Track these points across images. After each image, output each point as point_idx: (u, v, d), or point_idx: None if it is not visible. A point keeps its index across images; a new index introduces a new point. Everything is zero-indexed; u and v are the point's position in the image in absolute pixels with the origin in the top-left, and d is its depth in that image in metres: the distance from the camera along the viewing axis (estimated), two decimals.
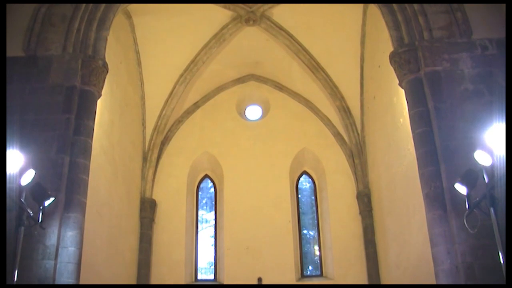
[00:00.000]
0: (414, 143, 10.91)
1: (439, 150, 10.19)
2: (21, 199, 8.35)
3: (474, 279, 9.10)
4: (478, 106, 10.36)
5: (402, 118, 13.55)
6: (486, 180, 8.05)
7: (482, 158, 8.10)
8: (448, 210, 9.72)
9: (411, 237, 13.62)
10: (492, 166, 7.99)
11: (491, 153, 8.02)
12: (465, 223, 8.66)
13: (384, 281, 16.63)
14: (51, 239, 9.61)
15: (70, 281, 9.70)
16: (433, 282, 10.17)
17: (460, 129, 10.21)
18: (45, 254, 9.50)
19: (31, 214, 8.50)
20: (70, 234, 9.94)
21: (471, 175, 8.43)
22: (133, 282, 17.00)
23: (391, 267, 15.71)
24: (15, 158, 8.33)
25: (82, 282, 10.13)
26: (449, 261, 9.55)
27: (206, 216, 19.72)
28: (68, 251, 9.84)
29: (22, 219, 8.35)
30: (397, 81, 11.77)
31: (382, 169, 16.33)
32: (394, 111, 14.39)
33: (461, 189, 8.63)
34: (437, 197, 9.99)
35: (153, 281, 17.65)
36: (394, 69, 11.79)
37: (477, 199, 8.33)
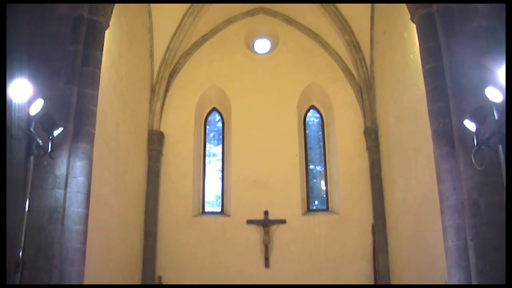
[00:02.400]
0: (424, 79, 10.79)
1: (449, 86, 10.06)
2: (30, 129, 8.37)
3: (479, 216, 9.15)
4: (491, 43, 10.11)
5: (412, 54, 13.40)
6: (496, 117, 8.01)
7: (493, 94, 8.02)
8: (456, 146, 9.69)
9: (417, 173, 13.70)
10: (503, 103, 7.92)
11: (502, 90, 7.93)
12: (473, 159, 8.64)
13: (389, 217, 16.82)
14: (61, 169, 9.68)
15: (80, 210, 9.83)
16: (438, 218, 10.25)
17: (471, 65, 10.02)
18: (55, 183, 9.59)
19: (41, 144, 8.54)
20: (79, 164, 10.02)
21: (481, 111, 8.36)
22: (141, 213, 17.29)
23: (397, 202, 15.86)
24: (24, 88, 8.30)
25: (91, 213, 10.25)
26: (455, 197, 9.59)
27: (214, 150, 19.81)
28: (78, 181, 9.95)
29: (32, 148, 8.38)
30: (409, 16, 11.55)
31: (391, 105, 16.27)
32: (404, 46, 14.23)
33: (470, 125, 8.58)
34: (446, 133, 9.95)
35: (161, 213, 17.94)
36: (406, 4, 11.57)
37: (486, 136, 8.30)
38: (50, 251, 9.17)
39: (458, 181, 9.57)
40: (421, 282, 13.50)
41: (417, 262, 13.90)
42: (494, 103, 8.03)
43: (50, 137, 8.74)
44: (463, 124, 8.82)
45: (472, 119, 8.52)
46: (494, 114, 8.06)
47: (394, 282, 16.21)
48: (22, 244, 7.99)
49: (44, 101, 8.57)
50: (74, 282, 9.53)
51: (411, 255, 14.45)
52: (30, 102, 8.40)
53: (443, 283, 11.03)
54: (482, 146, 8.44)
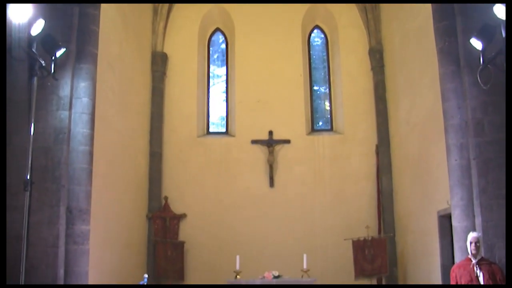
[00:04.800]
0: None
1: (456, 4, 9.88)
2: (32, 49, 8.29)
3: (482, 135, 9.18)
4: None
5: None
6: (504, 35, 7.88)
7: (501, 12, 7.85)
8: (461, 65, 9.62)
9: (422, 93, 13.65)
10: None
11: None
12: (478, 78, 8.58)
13: (393, 137, 16.88)
14: (65, 90, 9.68)
15: (85, 131, 9.93)
16: (442, 138, 10.31)
17: None
18: (60, 104, 9.61)
19: (43, 65, 8.48)
20: (83, 85, 10.02)
21: (488, 29, 8.20)
22: (146, 134, 17.39)
23: (401, 123, 15.88)
24: (23, 8, 8.15)
25: (96, 133, 10.35)
26: (459, 116, 9.61)
27: (218, 71, 19.67)
28: (82, 101, 9.97)
29: (35, 69, 8.33)
30: None
31: (396, 24, 16.06)
32: None
33: (477, 44, 8.45)
34: (451, 52, 9.85)
35: (166, 134, 17.99)
36: None
37: (493, 54, 8.19)
38: (58, 171, 9.31)
39: (462, 100, 9.56)
40: (424, 201, 13.70)
41: (420, 182, 14.05)
42: (502, 20, 7.87)
43: (53, 58, 8.68)
44: (469, 42, 8.68)
45: (478, 37, 8.37)
46: (501, 32, 7.92)
47: (397, 201, 16.45)
48: (29, 165, 8.08)
49: (45, 21, 8.44)
50: (82, 201, 9.72)
51: (415, 175, 14.59)
52: (30, 23, 8.28)
53: (445, 202, 11.20)
54: (488, 65, 8.35)
